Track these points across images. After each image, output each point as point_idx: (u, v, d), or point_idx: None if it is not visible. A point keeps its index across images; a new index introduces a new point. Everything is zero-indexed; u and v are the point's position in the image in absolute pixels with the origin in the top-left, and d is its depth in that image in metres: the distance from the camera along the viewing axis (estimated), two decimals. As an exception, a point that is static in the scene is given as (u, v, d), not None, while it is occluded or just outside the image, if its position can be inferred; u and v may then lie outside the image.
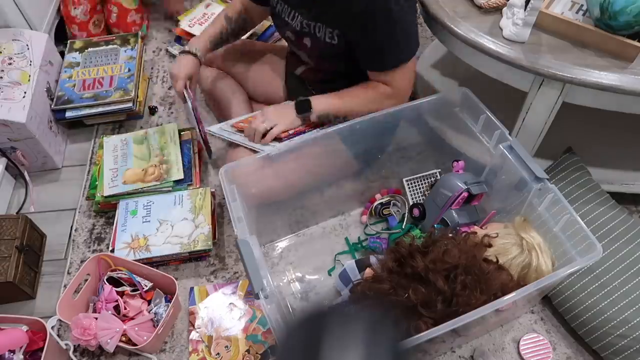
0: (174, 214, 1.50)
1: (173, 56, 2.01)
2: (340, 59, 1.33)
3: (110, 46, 1.87)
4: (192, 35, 1.95)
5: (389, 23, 1.20)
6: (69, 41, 1.88)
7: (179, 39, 2.03)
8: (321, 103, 1.35)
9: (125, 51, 1.85)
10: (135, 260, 1.39)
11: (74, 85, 1.76)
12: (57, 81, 1.79)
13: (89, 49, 1.85)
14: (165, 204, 1.52)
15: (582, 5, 1.26)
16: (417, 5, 1.26)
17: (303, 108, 1.35)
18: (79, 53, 1.85)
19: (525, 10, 1.20)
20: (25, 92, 1.60)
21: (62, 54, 1.86)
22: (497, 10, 1.28)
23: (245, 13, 1.53)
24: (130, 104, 1.73)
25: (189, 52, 1.48)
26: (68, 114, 1.72)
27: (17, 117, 1.53)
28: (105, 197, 1.54)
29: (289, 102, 1.40)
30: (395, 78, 1.31)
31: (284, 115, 1.36)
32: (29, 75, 1.64)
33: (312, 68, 1.46)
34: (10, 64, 1.65)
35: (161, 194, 1.55)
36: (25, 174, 1.67)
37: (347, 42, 1.27)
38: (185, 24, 2.00)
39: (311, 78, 1.51)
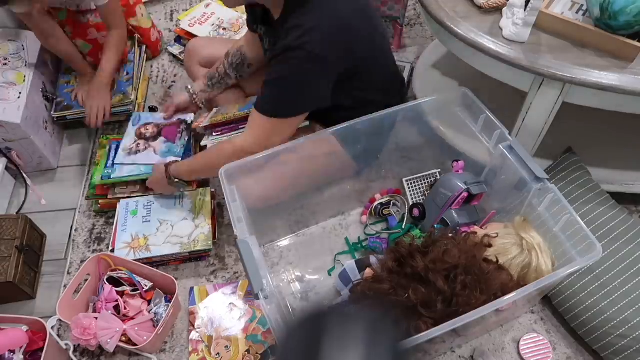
0: (174, 214, 1.50)
1: (173, 56, 2.01)
2: None
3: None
4: (192, 35, 1.95)
5: (276, 70, 1.16)
6: None
7: (179, 39, 2.03)
8: (178, 167, 1.42)
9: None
10: (135, 260, 1.39)
11: (73, 91, 1.75)
12: (52, 82, 1.79)
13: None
14: (165, 204, 1.52)
15: (582, 5, 1.26)
16: (327, 70, 1.16)
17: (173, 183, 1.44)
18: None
19: (525, 10, 1.20)
20: (20, 93, 1.60)
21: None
22: (497, 10, 1.28)
23: (246, 47, 1.50)
24: (130, 106, 1.74)
25: (186, 88, 1.59)
26: (68, 116, 1.73)
27: (11, 118, 1.53)
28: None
29: (161, 172, 1.45)
30: (252, 123, 1.25)
31: (161, 188, 1.51)
32: (24, 76, 1.64)
33: None
34: (5, 64, 1.65)
35: (161, 194, 1.55)
36: (23, 173, 1.68)
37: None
38: (185, 24, 2.01)
39: None
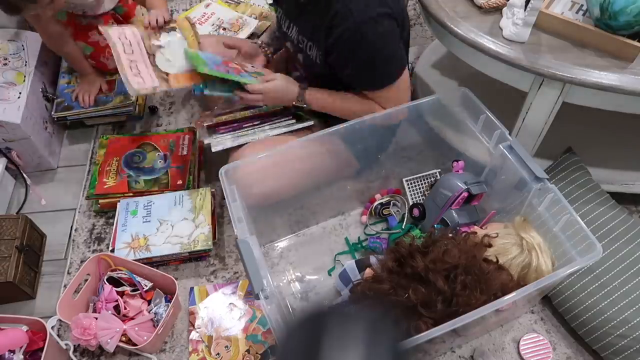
0: (174, 214, 1.50)
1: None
2: (327, 79, 1.33)
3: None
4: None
5: (364, 49, 1.20)
6: None
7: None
8: (317, 100, 1.37)
9: None
10: (135, 260, 1.39)
11: (73, 91, 1.75)
12: (52, 82, 1.79)
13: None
14: (165, 204, 1.52)
15: (582, 5, 1.26)
16: (396, 25, 1.23)
17: (299, 109, 1.41)
18: None
19: (525, 10, 1.20)
20: (20, 93, 1.60)
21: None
22: (497, 10, 1.28)
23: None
24: (130, 108, 1.74)
25: (254, 42, 1.56)
26: (69, 117, 1.73)
27: (11, 118, 1.53)
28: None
29: (292, 90, 1.37)
30: (387, 98, 1.31)
31: (277, 103, 1.40)
32: (24, 76, 1.64)
33: (304, 77, 1.44)
34: (5, 64, 1.65)
35: (161, 194, 1.55)
36: (23, 173, 1.68)
37: (330, 65, 1.28)
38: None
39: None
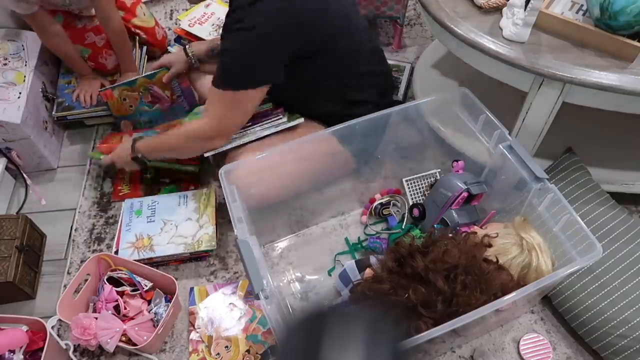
0: (179, 214, 1.50)
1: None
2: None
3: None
4: (192, 35, 1.95)
5: (231, 40, 1.20)
6: None
7: (179, 39, 2.03)
8: (146, 144, 1.42)
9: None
10: (138, 260, 1.39)
11: (74, 92, 1.75)
12: (52, 82, 1.79)
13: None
14: (169, 204, 1.52)
15: (582, 5, 1.26)
16: (271, 42, 1.18)
17: (136, 160, 1.44)
18: None
19: (525, 10, 1.20)
20: (20, 93, 1.60)
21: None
22: (497, 10, 1.28)
23: None
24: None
25: (183, 48, 1.56)
26: (69, 116, 1.73)
27: (11, 118, 1.53)
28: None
29: (127, 147, 1.44)
30: (209, 101, 1.29)
31: (124, 164, 1.48)
32: (24, 76, 1.64)
33: None
34: (5, 64, 1.65)
35: (166, 194, 1.56)
36: (23, 173, 1.68)
37: None
38: (185, 24, 2.00)
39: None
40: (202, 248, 1.44)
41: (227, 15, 1.24)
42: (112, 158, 1.49)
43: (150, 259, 1.43)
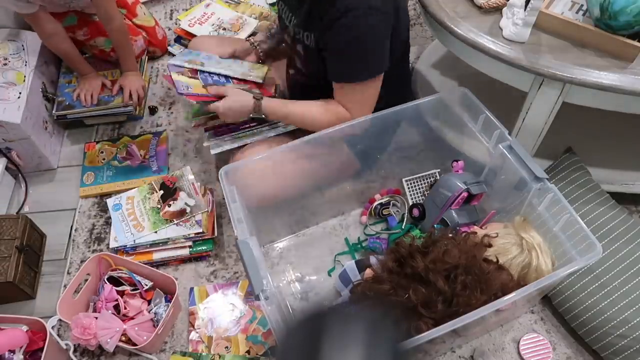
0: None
1: (173, 56, 2.01)
2: (325, 76, 1.31)
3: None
4: (192, 35, 1.95)
5: (351, 37, 1.17)
6: None
7: (179, 39, 2.03)
8: (274, 109, 1.36)
9: None
10: (137, 247, 1.42)
11: (74, 91, 1.75)
12: (52, 82, 1.79)
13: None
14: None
15: (582, 5, 1.26)
16: (389, 25, 1.20)
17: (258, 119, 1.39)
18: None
19: (525, 10, 1.20)
20: (20, 93, 1.60)
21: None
22: (497, 10, 1.28)
23: None
24: (131, 107, 1.74)
25: (246, 39, 1.61)
26: (69, 115, 1.73)
27: (11, 118, 1.53)
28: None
29: (246, 103, 1.36)
30: (352, 99, 1.28)
31: (235, 117, 1.40)
32: (24, 76, 1.64)
33: (302, 72, 1.41)
34: (5, 64, 1.65)
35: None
36: (21, 174, 1.68)
37: (319, 49, 1.26)
38: (185, 24, 2.01)
39: (298, 80, 1.46)
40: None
41: (317, 4, 1.21)
42: (224, 107, 1.35)
43: (149, 247, 1.46)
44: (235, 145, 1.40)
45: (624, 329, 1.20)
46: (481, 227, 1.31)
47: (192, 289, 1.42)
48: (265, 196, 1.34)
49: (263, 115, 1.35)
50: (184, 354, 1.32)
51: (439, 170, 1.55)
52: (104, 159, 1.72)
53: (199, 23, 2.01)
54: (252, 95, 1.35)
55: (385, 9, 1.16)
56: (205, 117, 1.48)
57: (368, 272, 1.22)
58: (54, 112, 1.72)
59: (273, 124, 1.42)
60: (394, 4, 1.20)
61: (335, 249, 1.49)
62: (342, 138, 1.34)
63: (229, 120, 1.40)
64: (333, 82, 1.27)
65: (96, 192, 1.64)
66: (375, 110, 1.32)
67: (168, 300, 1.35)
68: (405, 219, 1.49)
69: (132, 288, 1.36)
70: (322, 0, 1.18)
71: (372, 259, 1.25)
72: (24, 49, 1.70)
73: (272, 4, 2.09)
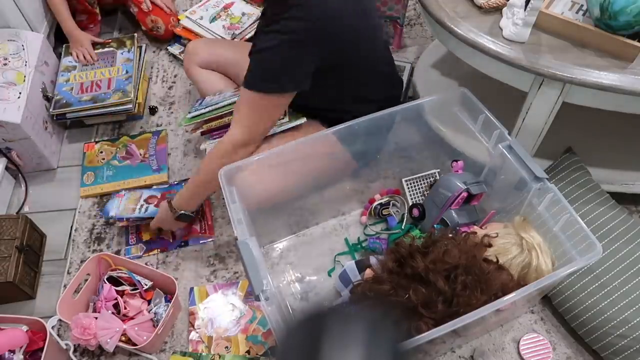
0: None
1: (173, 56, 2.01)
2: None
3: (107, 49, 1.88)
4: (192, 33, 1.95)
5: (261, 41, 1.17)
6: (64, 45, 1.89)
7: (179, 39, 2.02)
8: (181, 196, 1.40)
9: (122, 53, 1.86)
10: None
11: (72, 89, 1.76)
12: (52, 82, 1.79)
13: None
14: None
15: (582, 5, 1.26)
16: (306, 48, 1.16)
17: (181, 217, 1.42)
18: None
19: (525, 10, 1.20)
20: (20, 93, 1.60)
21: (59, 55, 1.86)
22: (497, 10, 1.28)
23: None
24: (130, 105, 1.74)
25: None
26: (68, 114, 1.73)
27: (11, 118, 1.53)
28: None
29: (165, 207, 1.42)
30: (237, 104, 1.27)
31: (169, 225, 1.47)
32: (24, 76, 1.64)
33: None
34: (5, 64, 1.65)
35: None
36: (21, 174, 1.68)
37: None
38: (186, 22, 2.00)
39: None
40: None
41: (263, 15, 1.23)
42: (157, 225, 1.47)
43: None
44: None
45: (624, 329, 1.20)
46: (481, 227, 1.31)
47: (192, 289, 1.42)
48: (265, 197, 1.34)
49: (184, 211, 1.40)
50: (184, 354, 1.32)
51: (438, 170, 1.55)
52: (103, 159, 1.72)
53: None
54: (166, 202, 1.41)
55: (309, 37, 1.13)
56: (200, 121, 1.48)
57: (368, 272, 1.22)
58: (51, 110, 1.72)
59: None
60: (333, 37, 1.16)
61: (335, 249, 1.49)
62: (338, 138, 1.34)
63: (168, 229, 1.50)
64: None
65: (96, 192, 1.64)
66: (368, 109, 1.31)
67: (168, 300, 1.35)
68: (405, 219, 1.49)
69: (131, 288, 1.36)
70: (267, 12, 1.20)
71: (372, 259, 1.25)
72: (24, 49, 1.70)
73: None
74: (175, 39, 2.03)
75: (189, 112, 1.49)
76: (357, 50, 1.25)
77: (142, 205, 1.52)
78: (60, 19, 1.85)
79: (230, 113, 1.41)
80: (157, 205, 1.50)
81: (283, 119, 1.42)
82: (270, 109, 1.26)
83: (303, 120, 1.40)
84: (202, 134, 1.48)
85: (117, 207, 1.52)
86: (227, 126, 1.43)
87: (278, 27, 1.13)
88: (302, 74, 1.20)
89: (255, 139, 1.29)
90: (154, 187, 1.63)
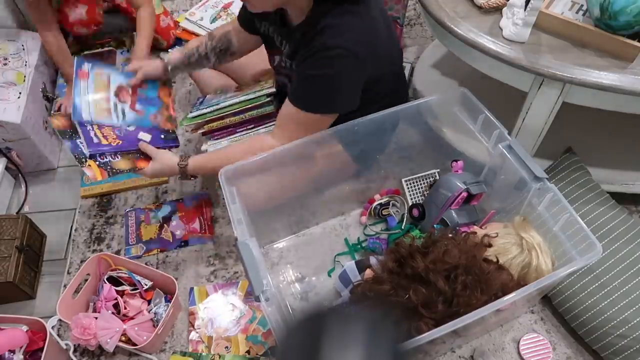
0: None
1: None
2: None
3: (106, 48, 1.87)
4: (193, 35, 1.95)
5: (322, 71, 1.16)
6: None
7: (179, 41, 2.02)
8: (200, 164, 1.35)
9: (121, 53, 1.85)
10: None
11: (58, 102, 1.75)
12: (52, 82, 1.79)
13: (85, 52, 1.84)
14: None
15: (582, 5, 1.26)
16: (364, 71, 1.17)
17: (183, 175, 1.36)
18: (74, 57, 1.82)
19: (525, 10, 1.20)
20: (20, 93, 1.60)
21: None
22: (497, 10, 1.28)
23: (233, 34, 1.45)
24: None
25: (159, 58, 1.50)
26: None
27: (11, 118, 1.54)
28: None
29: (171, 167, 1.35)
30: (284, 122, 1.26)
31: (162, 175, 1.42)
32: (24, 76, 1.64)
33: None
34: (5, 64, 1.65)
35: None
36: (21, 174, 1.68)
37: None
38: (185, 23, 2.00)
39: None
40: None
41: (297, 43, 1.21)
42: (153, 173, 1.37)
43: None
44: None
45: (624, 329, 1.20)
46: (481, 227, 1.31)
47: (192, 289, 1.42)
48: (265, 197, 1.34)
49: (192, 178, 1.37)
50: (184, 354, 1.32)
51: (438, 170, 1.55)
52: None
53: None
54: (177, 161, 1.34)
55: (363, 56, 1.14)
56: (202, 122, 1.47)
57: (368, 272, 1.22)
58: (52, 112, 1.72)
59: (269, 126, 1.42)
60: (375, 52, 1.17)
61: (335, 249, 1.49)
62: (340, 139, 1.34)
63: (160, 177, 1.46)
64: (287, 98, 1.25)
65: (96, 192, 1.64)
66: (372, 108, 1.31)
67: (168, 300, 1.35)
68: (405, 219, 1.49)
69: (131, 288, 1.36)
70: (307, 35, 1.17)
71: (372, 260, 1.25)
72: (24, 49, 1.70)
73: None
74: (176, 42, 2.03)
75: (190, 112, 1.48)
76: (389, 57, 1.26)
77: (116, 107, 1.38)
78: (61, 66, 1.73)
79: (232, 114, 1.41)
80: (133, 108, 1.40)
81: None
82: (319, 125, 1.26)
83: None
84: (203, 134, 1.48)
85: (88, 108, 1.34)
86: (228, 127, 1.43)
87: (332, 52, 1.13)
88: (356, 93, 1.22)
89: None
90: (121, 70, 1.49)
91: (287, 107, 1.24)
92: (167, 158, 1.35)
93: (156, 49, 1.97)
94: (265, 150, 1.25)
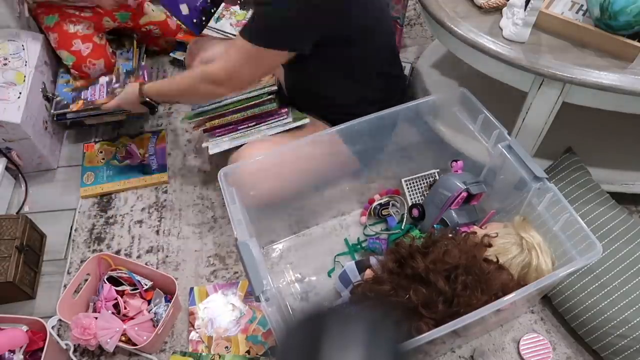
0: None
1: (175, 59, 2.00)
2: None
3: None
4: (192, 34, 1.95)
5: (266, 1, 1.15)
6: None
7: (180, 45, 2.01)
8: (154, 88, 1.42)
9: (121, 53, 1.85)
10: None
11: (72, 90, 1.75)
12: (52, 82, 1.78)
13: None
14: None
15: (582, 5, 1.26)
16: (315, 11, 1.15)
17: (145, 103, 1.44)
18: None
19: (525, 10, 1.20)
20: (20, 93, 1.60)
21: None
22: (497, 10, 1.28)
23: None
24: None
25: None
26: (68, 115, 1.73)
27: (11, 118, 1.53)
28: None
29: (133, 90, 1.44)
30: (233, 49, 1.23)
31: (133, 107, 1.50)
32: (24, 76, 1.64)
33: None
34: (5, 64, 1.65)
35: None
36: (21, 174, 1.68)
37: None
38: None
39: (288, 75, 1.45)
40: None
41: None
42: (118, 102, 1.48)
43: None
44: (234, 145, 1.41)
45: (624, 329, 1.20)
46: (481, 227, 1.31)
47: (192, 289, 1.42)
48: (265, 197, 1.34)
49: (149, 99, 1.42)
50: (184, 354, 1.32)
51: (438, 170, 1.55)
52: (103, 159, 1.72)
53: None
54: (138, 84, 1.43)
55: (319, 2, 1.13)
56: (203, 119, 1.48)
57: (368, 272, 1.22)
58: (52, 111, 1.72)
59: (270, 123, 1.42)
60: (339, 5, 1.16)
61: (335, 249, 1.49)
62: (341, 138, 1.34)
63: (129, 110, 1.53)
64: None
65: (96, 192, 1.64)
66: (370, 109, 1.31)
67: (168, 300, 1.35)
68: (404, 219, 1.49)
69: (131, 288, 1.36)
70: None
71: (372, 260, 1.25)
72: (24, 49, 1.70)
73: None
74: (177, 45, 2.02)
75: (192, 109, 1.49)
76: (365, 33, 1.25)
77: None
78: None
79: (234, 111, 1.42)
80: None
81: (286, 119, 1.42)
82: (261, 61, 1.24)
83: (307, 120, 1.40)
84: (205, 131, 1.48)
85: None
86: (230, 124, 1.44)
87: None
88: (307, 36, 1.20)
89: (228, 85, 1.27)
90: None
91: (237, 37, 1.23)
92: (130, 85, 1.48)
93: (164, 52, 2.00)
94: (210, 74, 1.26)
